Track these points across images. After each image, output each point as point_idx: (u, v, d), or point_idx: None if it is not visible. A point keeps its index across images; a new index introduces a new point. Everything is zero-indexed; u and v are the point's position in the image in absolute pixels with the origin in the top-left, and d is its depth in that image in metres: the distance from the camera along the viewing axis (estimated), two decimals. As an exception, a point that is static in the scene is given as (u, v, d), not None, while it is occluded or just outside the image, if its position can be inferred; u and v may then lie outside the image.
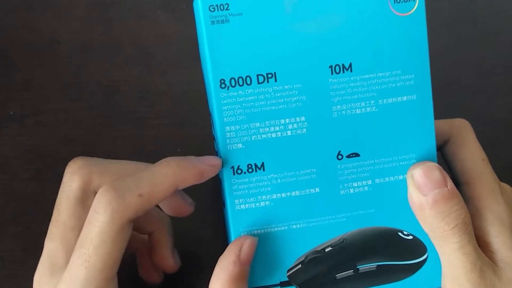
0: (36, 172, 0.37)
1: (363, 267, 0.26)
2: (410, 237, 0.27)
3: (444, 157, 0.29)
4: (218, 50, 0.25)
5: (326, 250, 0.26)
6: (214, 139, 0.26)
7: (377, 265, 0.26)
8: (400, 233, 0.26)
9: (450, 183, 0.24)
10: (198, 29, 0.26)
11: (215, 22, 0.25)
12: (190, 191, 0.32)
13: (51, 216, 0.36)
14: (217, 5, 0.24)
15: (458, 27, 0.39)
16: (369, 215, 0.26)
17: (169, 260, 0.31)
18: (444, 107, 0.34)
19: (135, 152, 0.37)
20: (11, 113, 0.38)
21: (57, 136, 0.37)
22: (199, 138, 0.37)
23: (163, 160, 0.25)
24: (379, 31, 0.25)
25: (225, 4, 0.24)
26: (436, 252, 0.25)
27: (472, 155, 0.28)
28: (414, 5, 0.25)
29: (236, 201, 0.26)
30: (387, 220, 0.26)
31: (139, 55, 0.38)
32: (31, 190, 0.36)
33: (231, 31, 0.25)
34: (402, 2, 0.25)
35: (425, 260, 0.27)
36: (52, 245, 0.27)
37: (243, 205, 0.26)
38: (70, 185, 0.27)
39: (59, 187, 0.33)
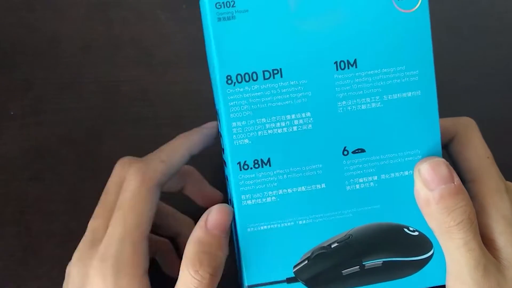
0: (36, 172, 0.37)
1: (369, 263, 0.26)
2: (416, 233, 0.27)
3: (450, 155, 0.29)
4: (225, 47, 0.25)
5: (332, 246, 0.26)
6: (221, 136, 0.26)
7: (383, 261, 0.26)
8: (406, 229, 0.27)
9: (456, 179, 0.24)
10: (204, 26, 0.26)
11: (222, 19, 0.25)
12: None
13: (51, 216, 0.36)
14: (223, 2, 0.25)
15: (458, 27, 0.39)
16: (375, 211, 0.26)
17: None
18: (444, 107, 0.34)
19: (135, 152, 0.37)
20: (11, 113, 0.37)
21: (57, 136, 0.37)
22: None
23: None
24: (383, 28, 0.25)
25: (231, 1, 0.25)
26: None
27: (477, 153, 0.28)
28: (418, 2, 0.26)
29: (243, 196, 0.26)
30: (393, 216, 0.27)
31: (139, 55, 0.38)
32: (31, 190, 0.36)
33: (237, 27, 0.25)
34: None
35: (431, 256, 0.27)
36: (94, 223, 0.28)
37: (250, 200, 0.26)
38: (119, 173, 0.29)
39: (59, 187, 0.34)
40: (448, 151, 0.29)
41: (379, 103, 0.26)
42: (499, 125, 0.38)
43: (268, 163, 0.26)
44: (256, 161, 0.26)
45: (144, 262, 0.27)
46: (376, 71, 0.26)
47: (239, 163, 0.26)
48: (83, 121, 0.37)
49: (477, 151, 0.28)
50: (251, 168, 0.26)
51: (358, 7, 0.25)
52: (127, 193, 0.27)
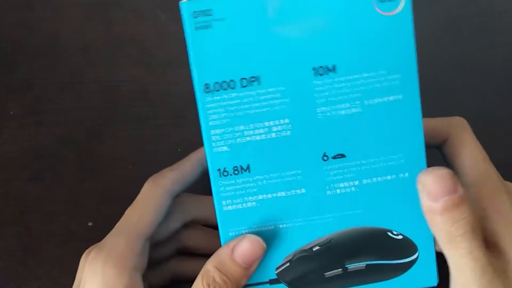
0: (36, 172, 0.37)
1: (352, 266, 0.27)
2: (400, 237, 0.27)
3: (444, 157, 0.29)
4: (202, 55, 0.25)
5: (314, 249, 0.27)
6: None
7: (366, 264, 0.27)
8: (389, 233, 0.27)
9: (460, 189, 0.24)
10: (184, 34, 0.26)
11: (199, 27, 0.25)
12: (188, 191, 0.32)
13: (51, 216, 0.36)
14: (200, 11, 0.25)
15: (458, 27, 0.39)
16: (357, 215, 0.27)
17: None
18: (444, 107, 0.34)
19: (135, 152, 0.37)
20: (11, 113, 0.38)
21: (57, 136, 0.37)
22: (199, 138, 0.36)
23: None
24: (363, 31, 0.25)
25: (208, 10, 0.25)
26: (427, 251, 0.26)
27: (473, 156, 0.28)
28: (400, 4, 0.25)
29: (223, 202, 0.26)
30: (375, 220, 0.27)
31: (139, 55, 0.39)
32: (31, 190, 0.36)
33: (214, 36, 0.25)
34: (387, 1, 0.25)
35: (415, 259, 0.27)
36: None
37: (230, 206, 0.26)
38: (144, 187, 0.30)
39: (59, 187, 0.33)
40: (442, 153, 0.29)
41: (359, 108, 0.26)
42: (499, 125, 0.38)
43: (247, 170, 0.26)
44: (235, 168, 0.26)
45: (137, 259, 0.27)
46: (356, 76, 0.25)
47: (218, 169, 0.26)
48: (83, 121, 0.37)
49: (472, 154, 0.27)
50: (230, 175, 0.26)
51: (337, 11, 0.25)
52: (138, 195, 0.30)
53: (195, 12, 0.25)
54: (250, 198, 0.26)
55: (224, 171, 0.26)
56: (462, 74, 0.39)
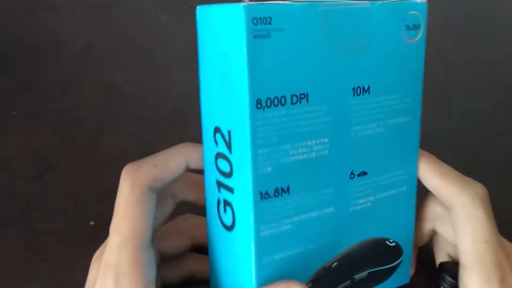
0: (37, 172, 0.37)
1: (358, 276, 0.28)
2: (393, 244, 0.28)
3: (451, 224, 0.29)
4: (258, 68, 0.23)
5: (333, 265, 0.27)
6: (230, 163, 0.25)
7: (368, 272, 0.28)
8: (387, 241, 0.28)
9: None
10: (223, 43, 0.24)
11: (257, 36, 0.22)
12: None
13: (53, 214, 0.37)
14: (260, 18, 0.22)
15: (458, 27, 0.40)
16: (366, 228, 0.28)
17: None
18: (444, 107, 0.34)
19: (135, 152, 0.37)
20: (13, 113, 0.38)
21: (59, 136, 0.38)
22: (199, 138, 0.37)
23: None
24: (392, 56, 0.26)
25: (268, 18, 0.22)
26: (408, 254, 0.28)
27: (474, 236, 0.26)
28: (419, 33, 0.27)
29: (261, 227, 0.24)
30: (379, 230, 0.28)
31: (140, 56, 0.39)
32: (32, 190, 0.37)
33: (271, 47, 0.23)
34: (411, 29, 0.27)
35: (400, 262, 0.29)
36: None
37: (267, 231, 0.24)
38: (124, 188, 0.27)
39: (61, 186, 0.34)
40: (450, 219, 0.29)
41: (382, 128, 0.27)
42: (499, 125, 0.38)
43: (287, 191, 0.25)
44: (276, 190, 0.24)
45: (147, 271, 0.26)
46: (383, 98, 0.26)
47: (260, 192, 0.24)
48: (84, 120, 0.38)
49: (474, 233, 0.26)
50: (271, 197, 0.24)
51: (376, 35, 0.26)
52: (120, 198, 0.26)
53: (255, 18, 0.22)
54: (286, 220, 0.25)
55: (266, 194, 0.24)
56: (462, 74, 0.39)
